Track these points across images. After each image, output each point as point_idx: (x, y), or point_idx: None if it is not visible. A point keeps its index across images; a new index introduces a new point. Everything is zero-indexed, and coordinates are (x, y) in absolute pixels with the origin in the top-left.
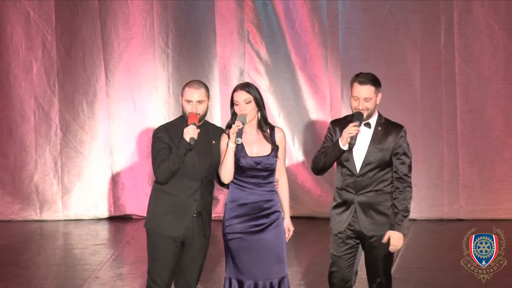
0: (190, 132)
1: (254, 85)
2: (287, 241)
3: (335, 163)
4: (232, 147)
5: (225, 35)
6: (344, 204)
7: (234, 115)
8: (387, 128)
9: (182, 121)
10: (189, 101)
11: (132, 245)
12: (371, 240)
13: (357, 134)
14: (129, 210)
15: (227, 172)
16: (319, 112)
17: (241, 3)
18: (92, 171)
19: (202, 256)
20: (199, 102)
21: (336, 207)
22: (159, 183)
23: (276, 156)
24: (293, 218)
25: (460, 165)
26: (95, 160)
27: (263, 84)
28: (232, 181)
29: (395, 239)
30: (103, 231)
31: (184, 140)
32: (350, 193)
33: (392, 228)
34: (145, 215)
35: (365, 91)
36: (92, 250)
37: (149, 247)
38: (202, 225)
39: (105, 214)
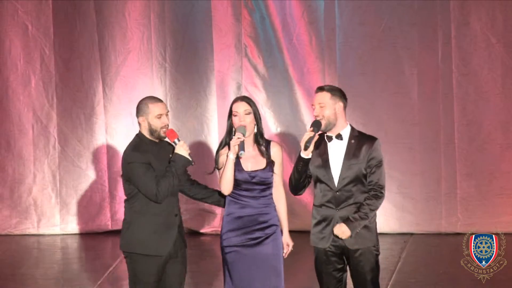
0: (187, 149)
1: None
2: (285, 256)
3: (312, 180)
4: (232, 158)
5: (223, 49)
6: (325, 220)
7: (231, 127)
8: (361, 140)
9: (142, 138)
10: (161, 115)
11: None
12: (356, 254)
13: (312, 138)
14: None
15: (227, 183)
16: None
17: (238, 17)
18: (90, 184)
19: (186, 264)
20: (167, 114)
21: (317, 224)
22: (156, 202)
23: (272, 171)
24: (290, 232)
25: (457, 178)
26: (93, 173)
27: (261, 98)
28: (228, 195)
29: (341, 231)
30: (101, 245)
31: (181, 157)
32: (331, 209)
33: (344, 221)
34: None
35: (319, 97)
36: (90, 265)
37: (133, 270)
38: (182, 236)
39: (102, 228)
